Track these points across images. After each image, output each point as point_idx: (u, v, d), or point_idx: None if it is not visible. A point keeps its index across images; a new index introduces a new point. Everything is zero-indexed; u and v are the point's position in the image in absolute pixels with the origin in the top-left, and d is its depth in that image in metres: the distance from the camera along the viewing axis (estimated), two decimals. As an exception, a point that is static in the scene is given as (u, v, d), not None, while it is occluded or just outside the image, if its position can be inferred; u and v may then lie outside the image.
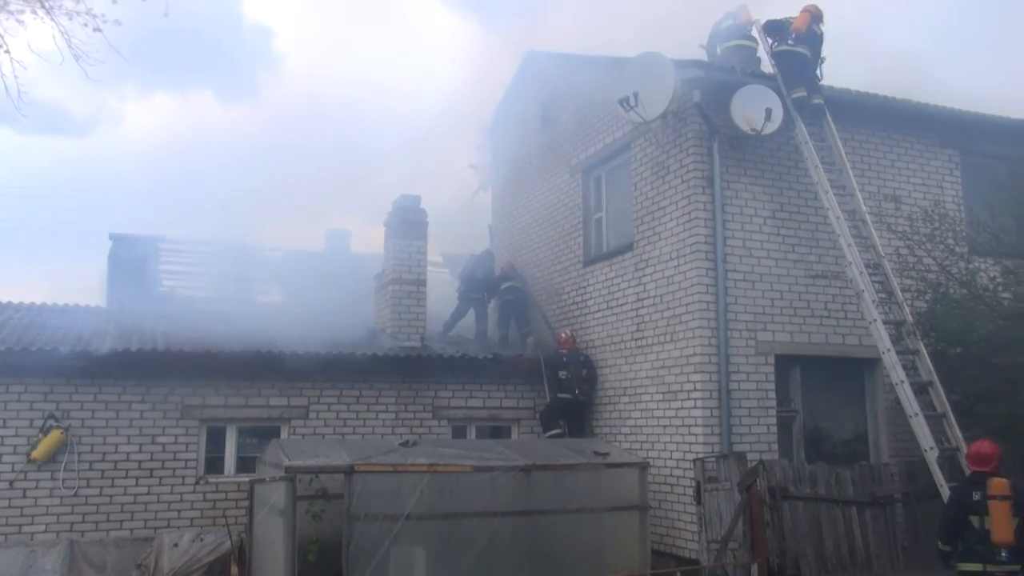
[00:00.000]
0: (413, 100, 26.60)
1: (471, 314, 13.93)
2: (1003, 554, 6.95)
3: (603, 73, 12.35)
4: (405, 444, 9.68)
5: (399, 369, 11.83)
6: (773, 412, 10.21)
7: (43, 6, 6.67)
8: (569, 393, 11.87)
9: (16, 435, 10.23)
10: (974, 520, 7.12)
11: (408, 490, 8.86)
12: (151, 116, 30.75)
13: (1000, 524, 6.98)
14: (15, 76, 6.78)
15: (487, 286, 13.89)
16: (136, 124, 30.16)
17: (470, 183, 16.67)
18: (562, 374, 11.96)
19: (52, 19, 6.72)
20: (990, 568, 6.99)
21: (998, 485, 7.09)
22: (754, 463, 9.06)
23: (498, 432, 12.49)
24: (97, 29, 6.76)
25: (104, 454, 10.49)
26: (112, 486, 10.47)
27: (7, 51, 6.73)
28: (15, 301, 13.49)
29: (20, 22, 6.72)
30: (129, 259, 13.70)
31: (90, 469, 10.41)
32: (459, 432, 12.23)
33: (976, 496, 7.16)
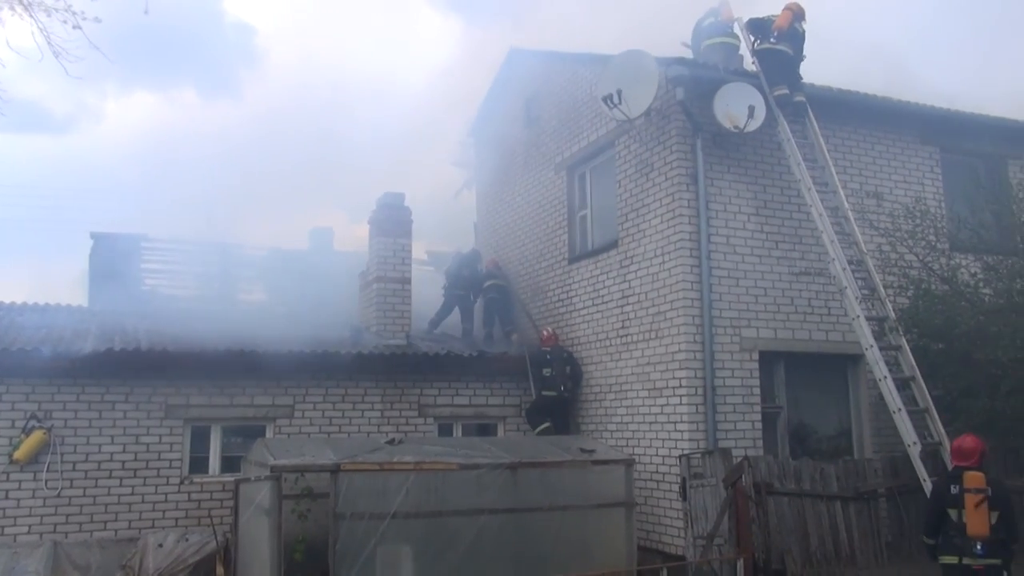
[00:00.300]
0: (397, 98, 26.50)
1: (457, 313, 13.89)
2: (978, 547, 7.02)
3: (586, 70, 12.40)
4: (391, 442, 9.64)
5: (384, 367, 11.77)
6: (758, 408, 10.24)
7: (21, 3, 6.55)
8: (554, 390, 11.86)
9: (-3, 436, 10.09)
10: (952, 513, 7.21)
11: (394, 489, 8.80)
12: (132, 114, 30.52)
13: (975, 517, 7.05)
14: (-8, 73, 6.65)
15: (472, 284, 13.84)
16: (117, 122, 29.93)
17: (455, 181, 16.68)
18: (546, 371, 11.95)
19: (31, 16, 6.61)
20: (966, 561, 7.06)
21: (973, 479, 7.17)
22: (739, 459, 9.07)
23: (484, 430, 12.44)
24: (76, 26, 6.65)
25: (87, 454, 10.38)
26: (96, 486, 10.35)
27: (-16, 47, 6.60)
28: (-5, 301, 13.33)
29: None
30: (110, 258, 13.56)
31: (73, 470, 10.29)
32: (445, 430, 12.19)
33: (953, 490, 7.24)
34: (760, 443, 10.12)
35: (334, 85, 27.19)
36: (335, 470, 8.65)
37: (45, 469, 10.14)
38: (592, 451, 10.00)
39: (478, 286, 13.88)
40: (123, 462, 10.49)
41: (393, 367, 11.82)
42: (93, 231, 13.91)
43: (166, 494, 10.58)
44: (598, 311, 11.76)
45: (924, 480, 9.13)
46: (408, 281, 12.98)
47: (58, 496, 10.17)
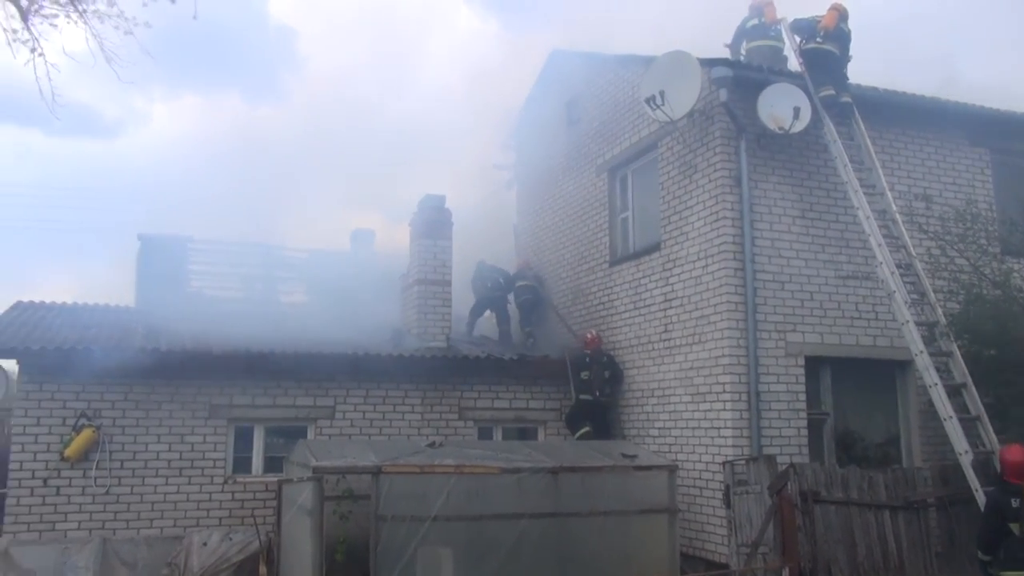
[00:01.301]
0: (438, 100, 26.56)
1: (493, 316, 13.91)
2: None
3: (628, 72, 12.33)
4: (432, 445, 9.66)
5: (425, 370, 11.76)
6: (803, 414, 10.06)
7: (76, 9, 6.64)
8: (589, 394, 11.78)
9: (50, 433, 10.27)
10: (1015, 528, 6.93)
11: (435, 491, 8.82)
12: (179, 117, 30.99)
13: None
14: (48, 79, 6.77)
15: (505, 286, 13.89)
16: (164, 125, 30.40)
17: (496, 183, 16.62)
18: (584, 375, 11.88)
19: (85, 22, 6.71)
20: None
21: None
22: (784, 466, 8.90)
23: (524, 434, 12.39)
24: (128, 32, 6.75)
25: (135, 452, 10.53)
26: (143, 484, 10.50)
27: (41, 54, 6.73)
28: (47, 301, 13.55)
29: (54, 26, 6.73)
30: (158, 260, 13.67)
31: (121, 467, 10.44)
32: (485, 433, 12.15)
33: (1015, 504, 6.98)
34: (806, 450, 9.94)
35: (375, 88, 27.35)
36: (376, 472, 8.66)
37: (94, 466, 10.30)
38: (634, 456, 9.93)
39: (510, 287, 13.88)
40: (169, 461, 10.62)
41: (433, 370, 11.82)
42: (141, 233, 14.05)
43: (210, 493, 10.69)
44: (640, 315, 11.63)
45: (976, 490, 8.88)
46: (448, 283, 12.93)
47: (107, 493, 10.33)
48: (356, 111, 24.24)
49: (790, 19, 11.47)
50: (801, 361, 10.14)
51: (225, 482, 10.78)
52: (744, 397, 9.79)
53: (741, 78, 10.27)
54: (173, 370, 10.64)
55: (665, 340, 11.04)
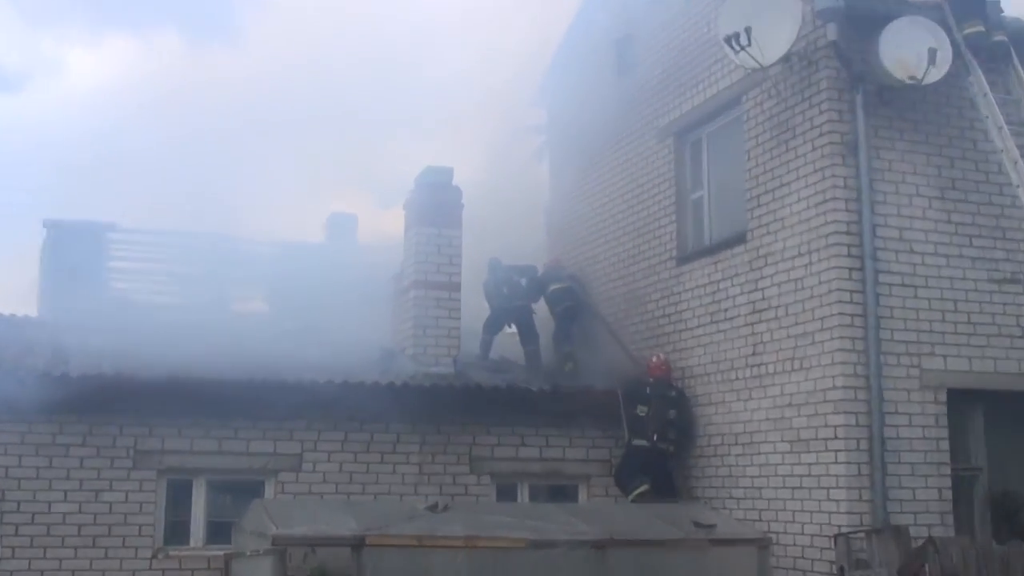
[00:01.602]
0: (444, 41, 26.54)
1: (515, 332, 13.87)
2: None
3: (701, 3, 12.39)
4: (433, 508, 9.77)
5: (424, 405, 11.74)
6: (946, 470, 10.00)
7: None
8: (645, 439, 11.74)
9: (-75, 487, 10.37)
10: None
11: (439, 572, 8.92)
12: (100, 66, 31.15)
13: None
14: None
15: (531, 292, 13.89)
16: (81, 76, 30.51)
17: (522, 151, 16.79)
18: (640, 409, 11.86)
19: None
20: None
21: None
22: (920, 541, 8.74)
23: (560, 493, 12.44)
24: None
25: (33, 515, 10.52)
26: (45, 558, 10.48)
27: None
28: (-79, 309, 13.60)
29: None
30: (69, 254, 13.77)
31: (16, 534, 10.43)
32: (507, 493, 12.19)
33: None
34: (949, 519, 9.89)
35: (360, 29, 27.33)
36: (358, 544, 8.76)
37: (-19, 533, 10.33)
38: (712, 526, 10.04)
39: (537, 292, 13.86)
40: (79, 526, 10.61)
41: (436, 404, 11.80)
42: (47, 218, 14.13)
43: (134, 570, 10.67)
44: (719, 331, 11.60)
45: None
46: (457, 287, 13.02)
47: (-4, 569, 10.34)
48: (334, 57, 24.25)
49: (922, -70, 11.41)
50: (942, 396, 10.10)
51: (154, 556, 10.76)
52: (863, 445, 9.73)
53: (856, 10, 10.32)
54: (87, 403, 10.65)
55: (753, 366, 11.00)
